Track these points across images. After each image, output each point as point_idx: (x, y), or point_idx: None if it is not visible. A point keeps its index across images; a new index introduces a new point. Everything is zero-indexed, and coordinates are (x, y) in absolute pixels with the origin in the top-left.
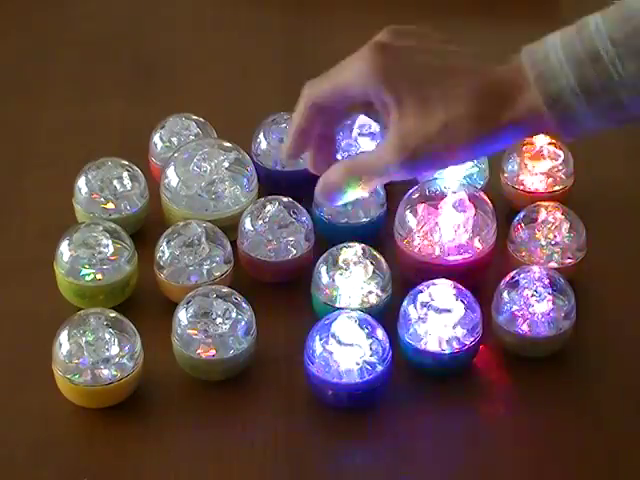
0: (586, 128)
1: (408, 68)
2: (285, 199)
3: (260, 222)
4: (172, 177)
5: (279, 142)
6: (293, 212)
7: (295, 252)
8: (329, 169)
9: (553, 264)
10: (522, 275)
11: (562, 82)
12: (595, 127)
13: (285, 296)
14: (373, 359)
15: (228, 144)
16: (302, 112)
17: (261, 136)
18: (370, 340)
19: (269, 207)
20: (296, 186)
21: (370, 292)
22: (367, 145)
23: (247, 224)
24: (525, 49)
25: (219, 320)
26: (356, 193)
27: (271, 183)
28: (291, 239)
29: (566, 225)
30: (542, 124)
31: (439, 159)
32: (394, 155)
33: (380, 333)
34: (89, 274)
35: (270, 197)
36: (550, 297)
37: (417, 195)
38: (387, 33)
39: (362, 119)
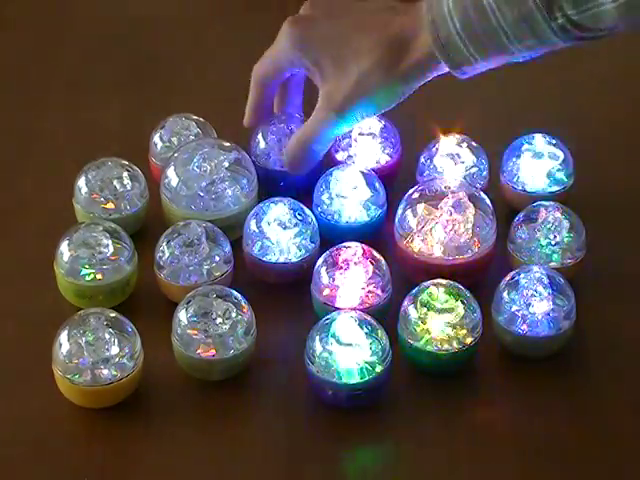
0: (478, 69)
1: (321, 34)
2: (291, 200)
3: (265, 223)
4: (172, 177)
5: (277, 142)
6: (298, 214)
7: (300, 253)
8: (287, 147)
9: (553, 264)
10: (522, 275)
11: (449, 27)
12: (488, 67)
13: (285, 296)
14: (373, 359)
15: (228, 144)
16: (252, 91)
17: (260, 137)
18: (370, 340)
19: (274, 208)
20: (294, 187)
21: (370, 292)
22: (367, 145)
23: (252, 225)
24: None
25: (219, 320)
26: (316, 157)
27: (269, 183)
28: (296, 241)
29: (566, 225)
30: (438, 66)
31: (364, 109)
32: (326, 115)
33: (380, 333)
34: (89, 274)
35: (275, 198)
36: (550, 297)
37: (417, 195)
38: (305, 5)
39: None
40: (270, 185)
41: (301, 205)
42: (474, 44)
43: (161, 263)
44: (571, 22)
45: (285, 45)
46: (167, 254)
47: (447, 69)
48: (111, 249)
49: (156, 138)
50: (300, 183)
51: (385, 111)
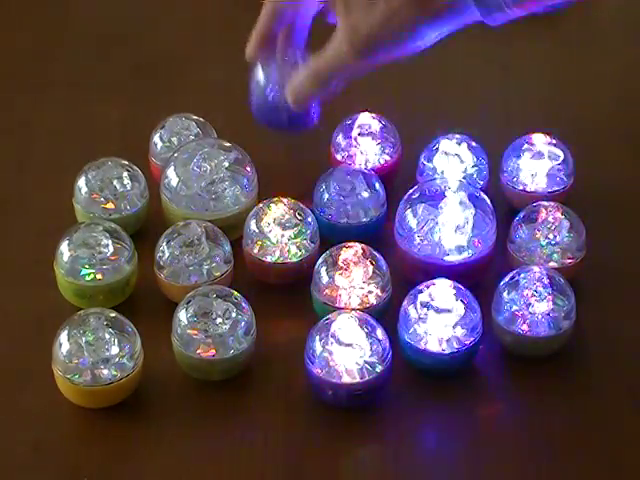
0: (509, 15)
1: None
2: (291, 200)
3: (265, 223)
4: (172, 177)
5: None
6: (298, 214)
7: (300, 253)
8: (294, 76)
9: (553, 264)
10: (522, 275)
11: None
12: (518, 14)
13: (285, 296)
14: (373, 359)
15: (228, 144)
16: (263, 20)
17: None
18: (370, 340)
19: (274, 208)
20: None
21: (370, 292)
22: (367, 145)
23: (252, 225)
24: None
25: (219, 320)
26: (324, 92)
27: (272, 114)
28: (296, 241)
29: (566, 225)
30: (469, 10)
31: (390, 46)
32: (348, 47)
33: (380, 333)
34: (89, 274)
35: (275, 198)
36: (550, 297)
37: (417, 195)
38: None
39: (362, 119)
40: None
41: (301, 205)
42: None
43: (161, 263)
44: None
45: None
46: (167, 254)
47: (475, 16)
48: (111, 249)
49: (156, 138)
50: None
51: (402, 58)
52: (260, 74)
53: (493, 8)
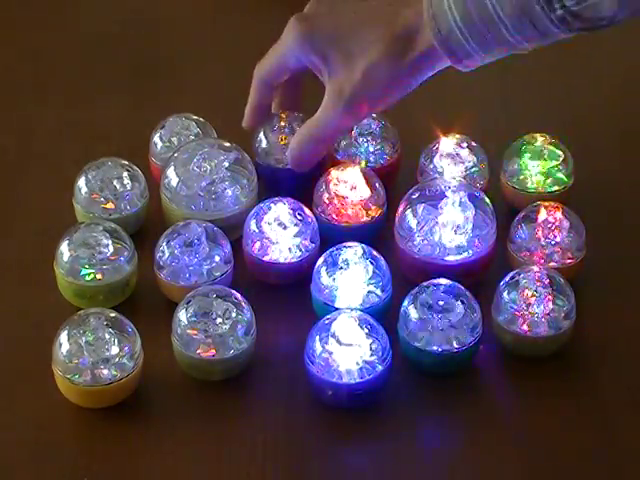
0: (480, 62)
1: (327, 30)
2: (291, 200)
3: (265, 223)
4: (172, 177)
5: (279, 141)
6: (298, 214)
7: (300, 254)
8: (292, 143)
9: (553, 264)
10: (522, 275)
11: (450, 22)
12: (490, 60)
13: (285, 296)
14: (373, 359)
15: (228, 144)
16: (254, 90)
17: (262, 135)
18: (370, 340)
19: (274, 208)
20: (299, 187)
21: (370, 292)
22: (367, 145)
23: (252, 225)
24: None
25: (219, 320)
26: (321, 152)
27: (272, 183)
28: (296, 241)
29: (566, 225)
30: (441, 59)
31: (372, 101)
32: (335, 107)
33: (380, 333)
34: (89, 274)
35: (275, 198)
36: (550, 297)
37: (417, 195)
38: (310, 3)
39: None
40: (271, 185)
41: (301, 205)
42: (475, 38)
43: (161, 263)
44: (570, 13)
45: (292, 42)
46: (167, 254)
47: (448, 63)
48: (111, 249)
49: (156, 138)
50: (301, 182)
51: (391, 105)
52: (262, 138)
53: (463, 56)
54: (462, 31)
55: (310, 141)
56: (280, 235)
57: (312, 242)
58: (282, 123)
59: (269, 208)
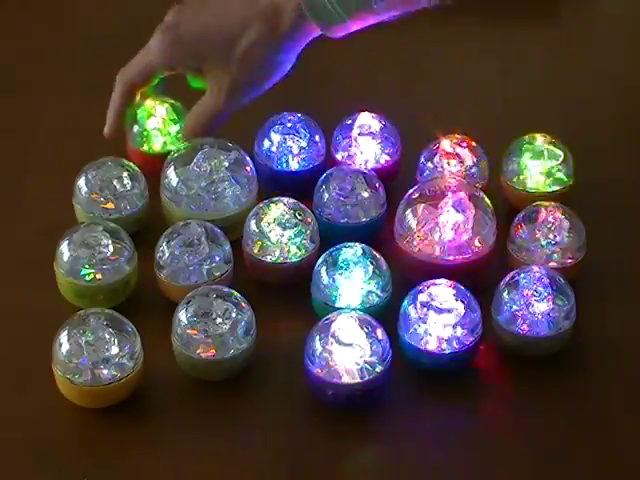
0: (348, 28)
1: (196, 33)
2: (291, 200)
3: (265, 223)
4: (172, 177)
5: (284, 142)
6: (298, 214)
7: (300, 254)
8: (184, 121)
9: (553, 264)
10: (522, 275)
11: None
12: (359, 27)
13: (285, 296)
14: (373, 359)
15: (228, 144)
16: (118, 96)
17: (264, 136)
18: (370, 340)
19: (274, 208)
20: (298, 186)
21: (370, 292)
22: (367, 145)
23: (252, 225)
24: None
25: (219, 320)
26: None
27: (273, 183)
28: (296, 241)
29: (566, 225)
30: (311, 29)
31: (251, 86)
32: (218, 99)
33: (380, 333)
34: (89, 274)
35: (275, 198)
36: (550, 297)
37: (417, 195)
38: (170, 12)
39: (362, 119)
40: (272, 185)
41: (301, 205)
42: (340, 3)
43: (161, 263)
44: None
45: (163, 50)
46: (167, 254)
47: (319, 33)
48: (111, 249)
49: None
50: (302, 183)
51: (272, 85)
52: (265, 139)
53: (330, 22)
54: None
55: (196, 127)
56: (280, 235)
57: (312, 242)
58: (288, 124)
59: (269, 208)
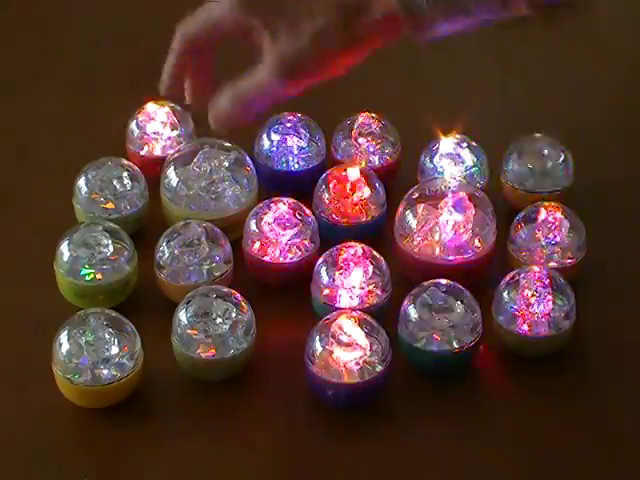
0: (439, 31)
1: None
2: (291, 200)
3: (265, 223)
4: (172, 177)
5: (282, 142)
6: (298, 214)
7: (300, 254)
8: (215, 100)
9: (553, 264)
10: (522, 275)
11: None
12: (447, 30)
13: (285, 296)
14: (373, 359)
15: (228, 144)
16: (176, 52)
17: (264, 136)
18: (370, 340)
19: (274, 208)
20: (298, 186)
21: (370, 292)
22: (367, 145)
23: (252, 225)
24: None
25: (219, 320)
26: (249, 117)
27: (273, 183)
28: (296, 241)
29: (566, 225)
30: (398, 27)
31: (318, 70)
32: (276, 73)
33: (380, 333)
34: (89, 274)
35: (275, 198)
36: (550, 297)
37: (417, 195)
38: None
39: (362, 119)
40: (272, 185)
41: (301, 205)
42: (438, 2)
43: (161, 263)
44: None
45: (231, 4)
46: (167, 254)
47: (404, 32)
48: (111, 249)
49: (133, 125)
50: (303, 184)
51: (334, 78)
52: (265, 138)
53: (423, 23)
54: None
55: (236, 105)
56: (280, 235)
57: (312, 242)
58: (287, 124)
59: (269, 208)
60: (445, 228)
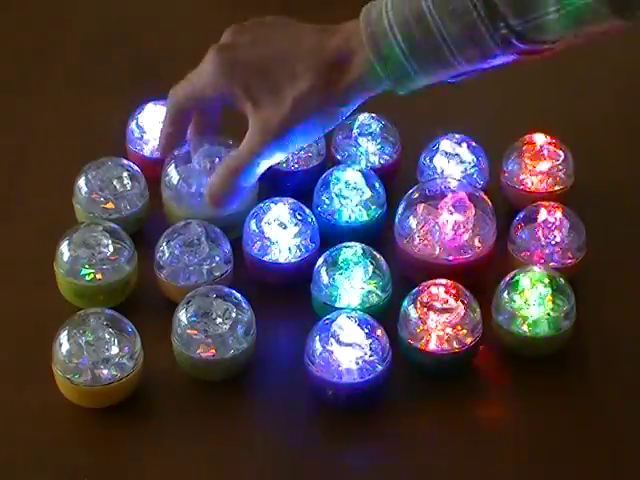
0: (419, 84)
1: (252, 62)
2: (291, 200)
3: (265, 223)
4: (173, 175)
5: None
6: (298, 214)
7: (300, 254)
8: (210, 179)
9: (553, 264)
10: (522, 275)
11: (391, 41)
12: (428, 83)
13: (285, 296)
14: (373, 359)
15: (229, 142)
16: (168, 115)
17: None
18: (370, 340)
19: (274, 208)
20: (298, 186)
21: (370, 292)
22: (367, 145)
23: (252, 225)
24: (365, 8)
25: (219, 320)
26: (242, 191)
27: (273, 183)
28: (296, 241)
29: (566, 225)
30: (379, 82)
31: (302, 133)
32: (261, 142)
33: (380, 333)
34: (89, 274)
35: (275, 198)
36: (550, 297)
37: (417, 195)
38: (229, 32)
39: (362, 119)
40: (273, 186)
41: (301, 205)
42: (416, 57)
43: (161, 263)
44: (515, 33)
45: (213, 72)
46: (167, 254)
47: (385, 86)
48: (111, 249)
49: (133, 125)
50: (303, 184)
51: (324, 133)
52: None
53: (402, 77)
54: (403, 50)
55: (234, 174)
56: (280, 235)
57: (312, 242)
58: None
59: (269, 208)
60: (445, 228)
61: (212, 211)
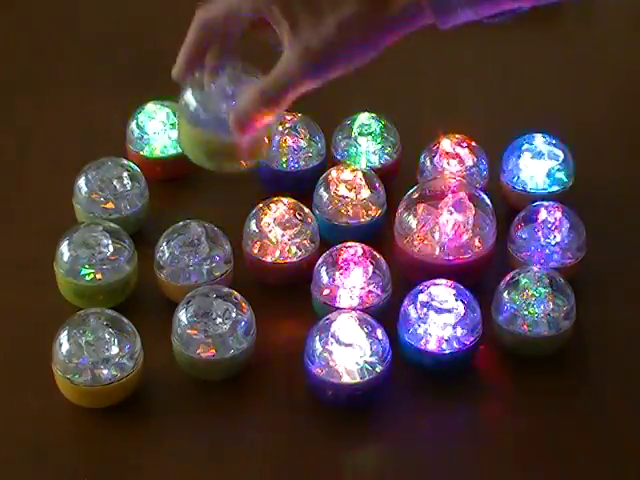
0: (461, 18)
1: None
2: (291, 201)
3: (265, 223)
4: (191, 102)
5: (282, 142)
6: (298, 214)
7: (300, 253)
8: (241, 99)
9: (553, 264)
10: (522, 275)
11: None
12: (469, 18)
13: (285, 296)
14: (373, 359)
15: (251, 67)
16: (193, 35)
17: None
18: (370, 340)
19: (274, 208)
20: (298, 186)
21: (370, 292)
22: (367, 145)
23: (252, 225)
24: None
25: (219, 320)
26: (270, 117)
27: (273, 183)
28: (296, 241)
29: (566, 225)
30: (422, 14)
31: (342, 59)
32: (300, 63)
33: (380, 333)
34: (89, 274)
35: (275, 198)
36: (550, 297)
37: (417, 195)
38: None
39: (362, 119)
40: (273, 186)
41: (301, 205)
42: None
43: (161, 263)
44: None
45: None
46: (167, 254)
47: (428, 19)
48: (111, 249)
49: (133, 125)
50: (301, 182)
51: (358, 67)
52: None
53: (448, 9)
54: None
55: (263, 102)
56: (280, 235)
57: (312, 242)
58: (286, 124)
59: (269, 208)
60: (445, 228)
61: (229, 136)
